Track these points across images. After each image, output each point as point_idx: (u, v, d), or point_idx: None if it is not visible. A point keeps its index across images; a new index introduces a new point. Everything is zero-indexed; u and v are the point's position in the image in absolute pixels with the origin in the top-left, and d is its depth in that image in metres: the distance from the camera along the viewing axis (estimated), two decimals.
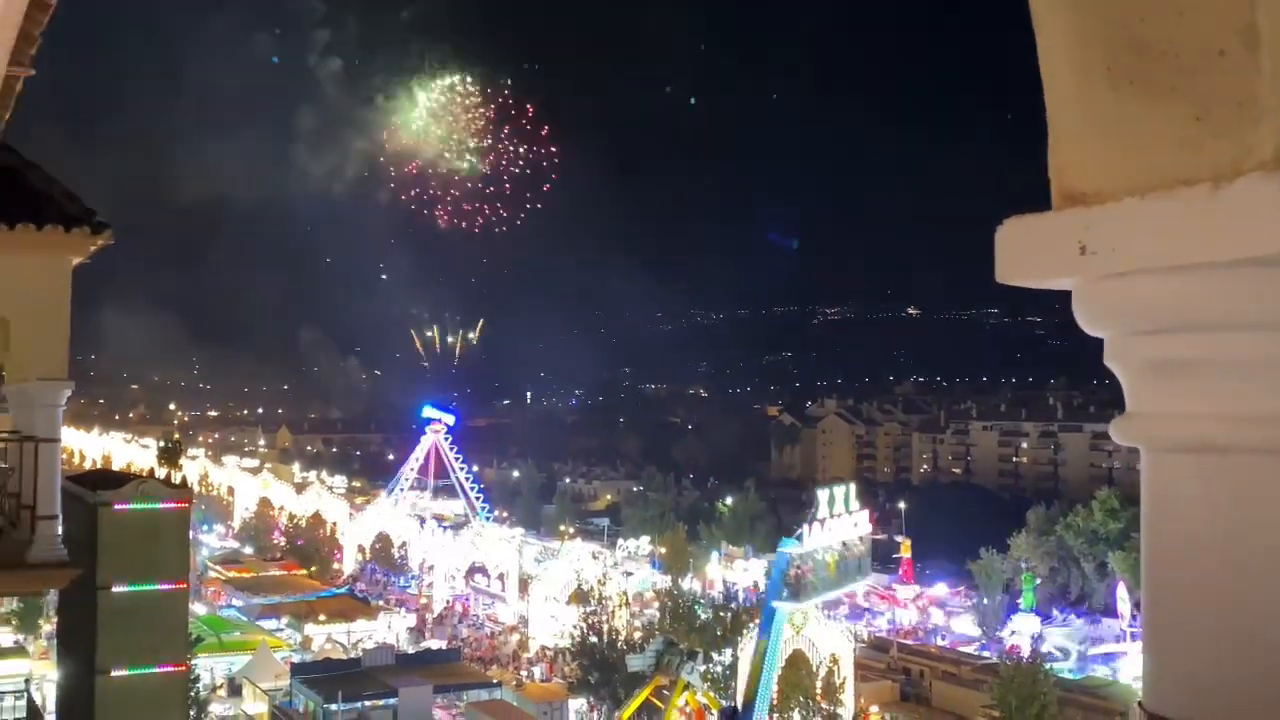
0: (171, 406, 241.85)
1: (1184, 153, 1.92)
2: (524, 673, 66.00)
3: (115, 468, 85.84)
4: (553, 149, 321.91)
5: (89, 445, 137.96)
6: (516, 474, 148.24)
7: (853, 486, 53.45)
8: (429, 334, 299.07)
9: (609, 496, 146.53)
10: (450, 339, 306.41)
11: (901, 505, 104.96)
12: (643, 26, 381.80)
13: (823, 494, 51.04)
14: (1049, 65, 2.15)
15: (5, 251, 12.44)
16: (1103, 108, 2.06)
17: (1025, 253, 2.19)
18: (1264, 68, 1.78)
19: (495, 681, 58.54)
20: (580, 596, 69.30)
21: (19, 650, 56.10)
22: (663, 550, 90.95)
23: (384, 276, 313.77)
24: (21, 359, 13.06)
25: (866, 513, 53.78)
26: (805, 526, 48.05)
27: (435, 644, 69.18)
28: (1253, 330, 1.86)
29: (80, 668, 18.92)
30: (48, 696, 27.82)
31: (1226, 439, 1.91)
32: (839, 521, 49.94)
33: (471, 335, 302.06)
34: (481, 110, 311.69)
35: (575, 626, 60.63)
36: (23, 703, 23.72)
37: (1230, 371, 1.90)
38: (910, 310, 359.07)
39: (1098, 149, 2.07)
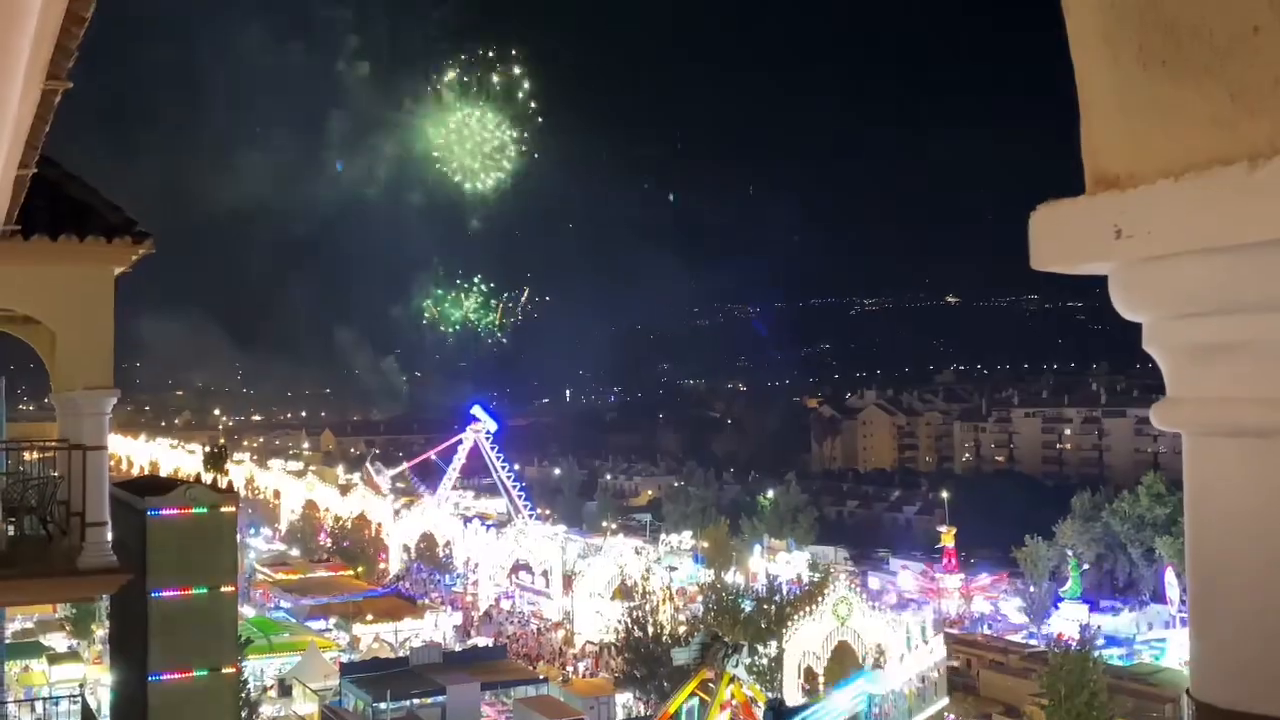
0: (216, 412, 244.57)
1: (1219, 132, 1.88)
2: (570, 668, 66.19)
3: (162, 474, 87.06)
4: (584, 145, 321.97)
5: (136, 452, 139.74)
6: (558, 471, 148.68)
7: (929, 618, 54.94)
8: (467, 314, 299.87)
9: (650, 492, 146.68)
10: (493, 319, 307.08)
11: (945, 494, 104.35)
12: (678, 18, 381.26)
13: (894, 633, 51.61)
14: (1079, 48, 2.13)
15: (49, 263, 12.63)
16: (1135, 89, 2.03)
17: (1060, 238, 2.16)
18: None
19: (542, 677, 58.75)
20: (624, 592, 69.39)
21: (73, 655, 57.06)
22: (705, 544, 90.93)
23: (419, 279, 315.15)
24: (68, 368, 13.26)
25: (941, 637, 54.13)
26: (882, 669, 48.53)
27: (482, 641, 69.55)
28: None
29: (133, 672, 19.17)
30: (102, 701, 28.21)
31: (1269, 423, 1.88)
32: (916, 654, 50.11)
33: (514, 312, 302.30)
34: (511, 105, 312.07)
35: (620, 621, 60.73)
36: (78, 707, 24.07)
37: (1271, 354, 1.88)
38: (949, 298, 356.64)
39: (1130, 131, 2.04)
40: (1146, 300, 2.06)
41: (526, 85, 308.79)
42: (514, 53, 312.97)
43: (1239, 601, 1.92)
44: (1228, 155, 1.85)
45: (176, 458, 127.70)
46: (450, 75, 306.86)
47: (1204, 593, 2.03)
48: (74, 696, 24.94)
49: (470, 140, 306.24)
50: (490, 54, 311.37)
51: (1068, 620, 70.32)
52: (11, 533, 13.55)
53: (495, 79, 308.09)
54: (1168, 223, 1.93)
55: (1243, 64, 1.84)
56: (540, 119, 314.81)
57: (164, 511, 19.30)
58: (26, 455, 17.56)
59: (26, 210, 11.40)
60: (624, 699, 56.84)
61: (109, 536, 13.21)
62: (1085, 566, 79.88)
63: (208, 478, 60.38)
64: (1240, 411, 1.92)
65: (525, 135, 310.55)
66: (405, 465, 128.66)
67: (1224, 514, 1.96)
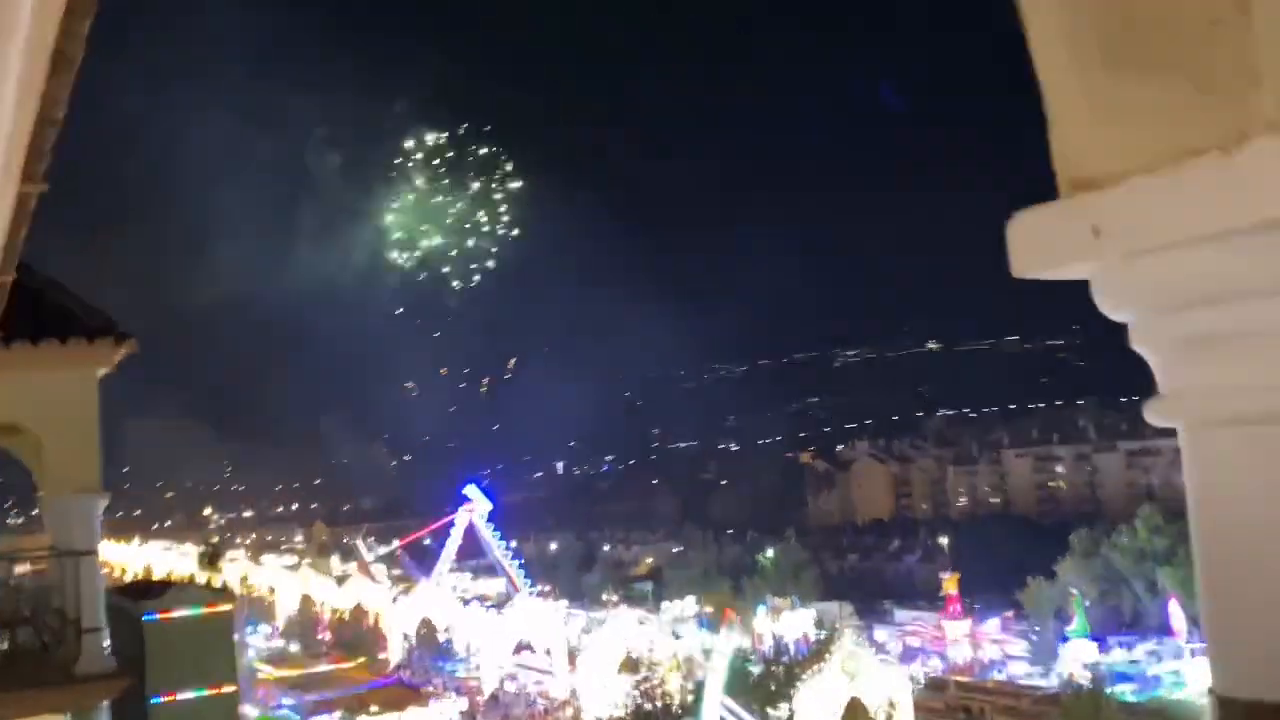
0: (206, 511, 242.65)
1: (1188, 124, 1.91)
2: None
3: (156, 577, 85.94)
4: (552, 216, 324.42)
5: (129, 557, 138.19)
6: (555, 545, 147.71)
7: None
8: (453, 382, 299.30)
9: (650, 560, 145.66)
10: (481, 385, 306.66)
11: (944, 540, 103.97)
12: (641, 68, 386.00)
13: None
14: (1042, 52, 2.16)
15: (32, 368, 12.59)
16: (1101, 89, 2.06)
17: (1038, 244, 2.18)
18: (1258, 31, 1.78)
19: None
20: (630, 664, 68.62)
21: None
22: (709, 609, 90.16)
23: (401, 362, 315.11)
24: (56, 473, 13.17)
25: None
26: None
27: None
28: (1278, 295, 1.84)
29: None
30: None
31: (1267, 409, 1.88)
32: None
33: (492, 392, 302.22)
34: (476, 180, 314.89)
35: (628, 695, 59.98)
36: None
37: (1262, 340, 1.89)
38: (931, 345, 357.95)
39: (1100, 131, 2.07)
40: (1131, 297, 2.08)
41: (500, 158, 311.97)
42: (486, 126, 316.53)
43: (1252, 592, 1.92)
44: (1199, 145, 1.87)
45: (170, 560, 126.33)
46: (421, 155, 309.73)
47: (1216, 586, 2.03)
48: None
49: (445, 218, 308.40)
50: (461, 130, 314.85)
51: (1076, 660, 69.77)
52: (6, 646, 13.37)
53: (468, 154, 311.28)
54: (1144, 218, 1.95)
55: (1205, 56, 1.87)
56: (513, 191, 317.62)
57: (160, 615, 19.09)
58: (18, 567, 17.39)
59: (6, 317, 11.39)
60: None
61: (106, 641, 13.03)
62: (1088, 603, 79.43)
63: (202, 578, 59.84)
64: (1238, 400, 1.93)
65: (500, 211, 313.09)
66: (397, 544, 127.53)
67: (1229, 504, 1.96)
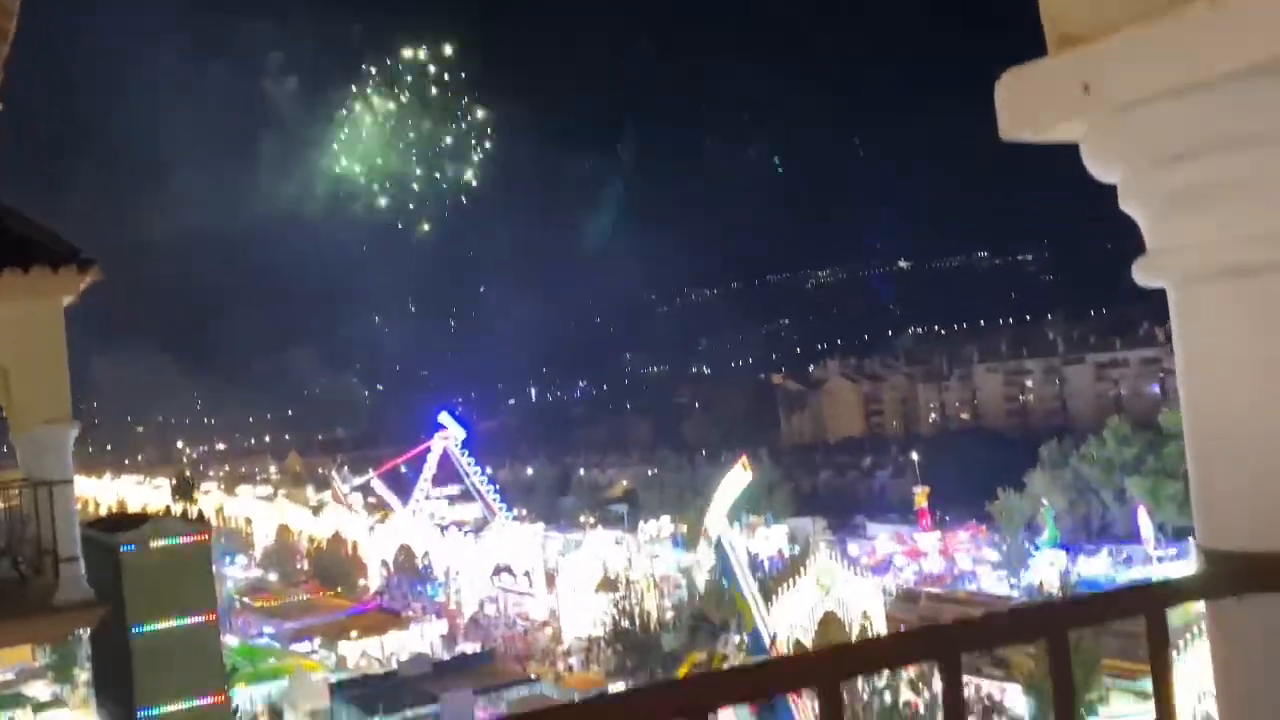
0: (179, 444, 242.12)
1: None
2: (561, 665, 66.20)
3: (131, 510, 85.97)
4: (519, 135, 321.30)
5: (102, 492, 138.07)
6: (530, 471, 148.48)
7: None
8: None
9: (625, 483, 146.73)
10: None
11: (915, 456, 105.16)
12: None
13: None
14: None
15: None
16: None
17: (1027, 103, 2.14)
18: None
19: (534, 677, 58.75)
20: (608, 584, 69.46)
21: (58, 702, 56.40)
22: (684, 529, 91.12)
23: (371, 292, 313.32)
24: (24, 405, 13.04)
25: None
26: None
27: (470, 648, 69.38)
28: (1272, 145, 1.82)
29: (121, 711, 18.96)
30: None
31: (1257, 260, 1.87)
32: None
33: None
34: (440, 106, 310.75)
35: (606, 614, 60.79)
36: None
37: (1252, 190, 1.87)
38: (900, 263, 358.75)
39: None
40: (1122, 153, 2.05)
41: (460, 75, 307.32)
42: (445, 48, 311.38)
43: (1238, 445, 1.92)
44: None
45: (143, 494, 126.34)
46: (379, 79, 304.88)
47: (1202, 441, 2.04)
48: None
49: (406, 142, 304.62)
50: (421, 52, 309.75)
51: (1045, 569, 71.11)
52: None
53: (427, 75, 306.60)
54: (1135, 70, 1.92)
55: None
56: (477, 116, 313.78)
57: (137, 546, 19.09)
58: None
59: None
60: (618, 689, 56.92)
61: (83, 571, 13.02)
62: (1057, 514, 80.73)
63: (177, 510, 59.88)
64: (1227, 252, 1.92)
65: (466, 137, 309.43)
66: (372, 473, 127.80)
67: (1217, 359, 1.96)
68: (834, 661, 1.81)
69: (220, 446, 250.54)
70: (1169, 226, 2.03)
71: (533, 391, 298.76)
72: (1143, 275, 2.09)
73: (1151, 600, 2.02)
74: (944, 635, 1.88)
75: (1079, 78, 1.99)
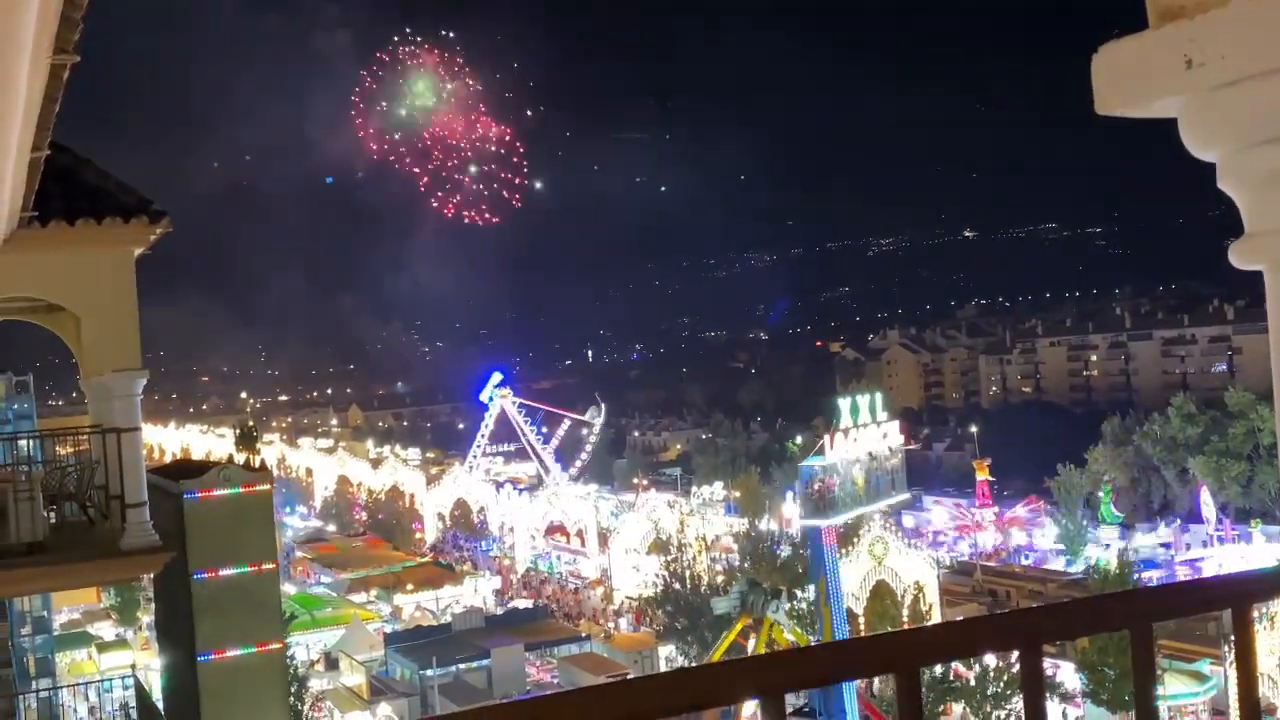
0: (243, 395, 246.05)
1: None
2: (611, 624, 66.70)
3: (195, 458, 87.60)
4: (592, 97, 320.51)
5: (166, 439, 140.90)
6: (592, 408, 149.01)
7: (879, 396, 49.31)
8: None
9: (679, 446, 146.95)
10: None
11: (974, 429, 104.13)
12: None
13: (844, 403, 46.73)
14: None
15: (69, 248, 12.62)
16: None
17: (1126, 77, 2.07)
18: None
19: (584, 635, 59.25)
20: (660, 546, 69.76)
21: (121, 643, 57.87)
22: (737, 494, 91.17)
23: (435, 250, 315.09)
24: (95, 353, 13.28)
25: (897, 424, 50.14)
26: (827, 438, 44.95)
27: (521, 604, 70.11)
28: None
29: (181, 654, 19.38)
30: (153, 685, 28.59)
31: None
32: (865, 432, 46.37)
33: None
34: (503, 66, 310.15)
35: (657, 575, 61.07)
36: (131, 691, 24.41)
37: None
38: (966, 233, 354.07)
39: None
40: (1222, 131, 1.97)
41: (519, 41, 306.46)
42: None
43: None
44: None
45: (207, 442, 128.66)
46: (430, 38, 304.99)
47: None
48: (127, 680, 25.31)
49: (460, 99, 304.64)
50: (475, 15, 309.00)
51: (1103, 546, 70.28)
52: (53, 520, 13.66)
53: (490, 40, 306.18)
54: (1240, 46, 1.85)
55: None
56: (538, 74, 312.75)
57: (200, 494, 19.44)
58: (61, 447, 17.71)
59: (42, 196, 11.38)
60: (666, 651, 57.24)
61: (149, 516, 13.28)
62: (1118, 491, 79.67)
63: (240, 459, 60.83)
64: None
65: (522, 89, 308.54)
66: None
67: None
68: (912, 646, 1.78)
69: (283, 398, 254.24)
70: (1269, 208, 1.96)
71: (590, 353, 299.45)
72: (1239, 258, 2.02)
73: (1238, 593, 1.96)
74: (1025, 622, 1.85)
75: (1181, 52, 1.92)
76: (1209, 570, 64.70)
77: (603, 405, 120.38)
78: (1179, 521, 76.68)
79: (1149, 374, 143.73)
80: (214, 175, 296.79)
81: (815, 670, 1.84)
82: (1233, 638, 2.00)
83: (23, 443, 17.41)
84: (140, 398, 13.81)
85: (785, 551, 61.54)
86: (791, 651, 1.93)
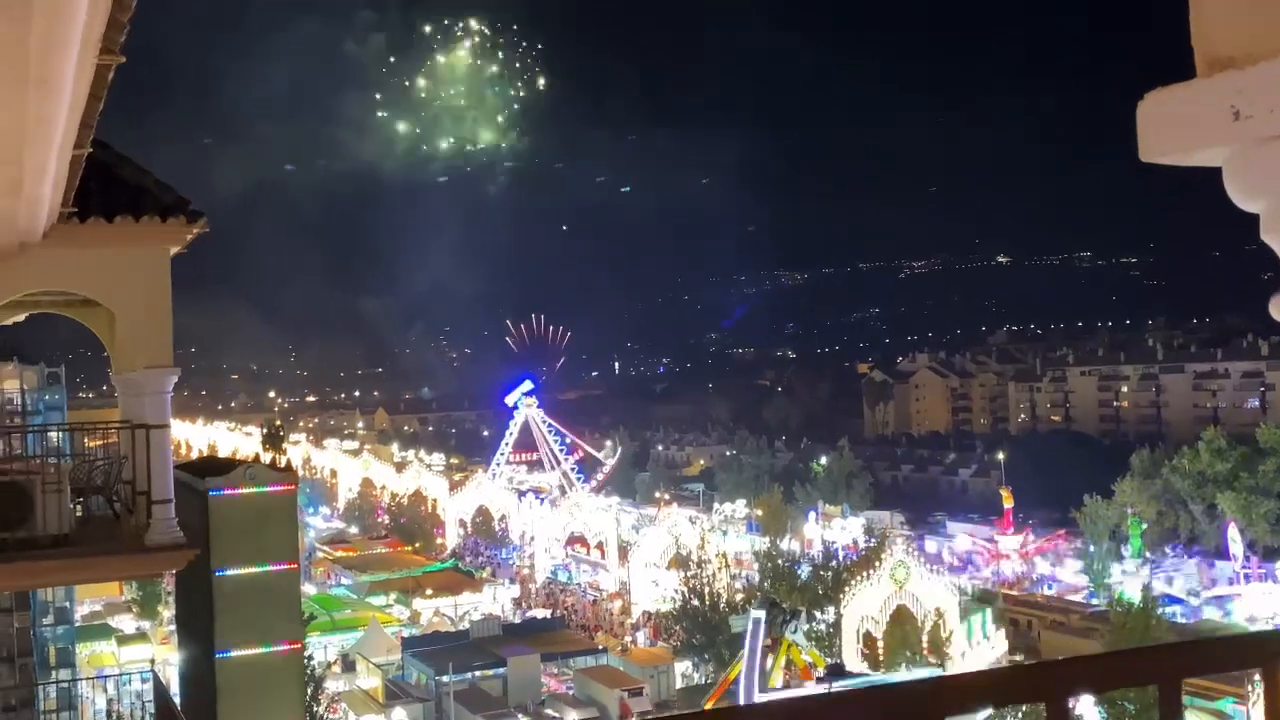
0: (271, 394, 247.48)
1: None
2: (628, 638, 66.53)
3: (221, 455, 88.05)
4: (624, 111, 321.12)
5: (194, 435, 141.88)
6: (609, 443, 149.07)
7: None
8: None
9: (702, 462, 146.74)
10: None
11: (1000, 456, 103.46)
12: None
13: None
14: None
15: (106, 244, 12.73)
16: None
17: (1172, 126, 2.05)
18: None
19: (601, 648, 59.12)
20: (680, 561, 69.59)
21: (141, 636, 58.21)
22: (759, 513, 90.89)
23: (465, 256, 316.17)
24: (128, 349, 13.37)
25: (1002, 632, 53.26)
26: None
27: (540, 614, 70.05)
28: None
29: (200, 650, 19.46)
30: (171, 679, 28.74)
31: None
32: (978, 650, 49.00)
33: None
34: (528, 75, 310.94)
35: (676, 591, 60.89)
36: (149, 685, 24.52)
37: None
38: (1000, 258, 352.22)
39: (1246, 6, 1.94)
40: (1268, 185, 1.94)
41: (540, 50, 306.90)
42: (515, 23, 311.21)
43: None
44: None
45: (234, 440, 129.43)
46: (465, 46, 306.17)
47: None
48: (145, 674, 25.44)
49: (489, 110, 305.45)
50: (500, 26, 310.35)
51: (1129, 579, 69.58)
52: (79, 513, 13.75)
53: (506, 46, 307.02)
54: None
55: None
56: (558, 90, 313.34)
57: (225, 491, 19.53)
58: (90, 440, 17.83)
59: (82, 193, 11.49)
60: (683, 667, 57.07)
61: (174, 513, 13.35)
62: (1145, 524, 78.92)
63: (266, 458, 61.12)
64: None
65: (545, 108, 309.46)
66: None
67: None
68: (929, 696, 1.76)
69: (311, 399, 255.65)
70: None
71: (616, 365, 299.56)
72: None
73: (1270, 651, 1.91)
74: (1051, 674, 1.83)
75: (1229, 102, 1.90)
76: (1236, 608, 64.00)
77: (619, 447, 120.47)
78: (1205, 558, 75.92)
79: (1180, 407, 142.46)
80: (252, 175, 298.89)
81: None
82: (1261, 695, 1.96)
83: (53, 434, 17.56)
84: (170, 395, 13.89)
85: (805, 572, 61.24)
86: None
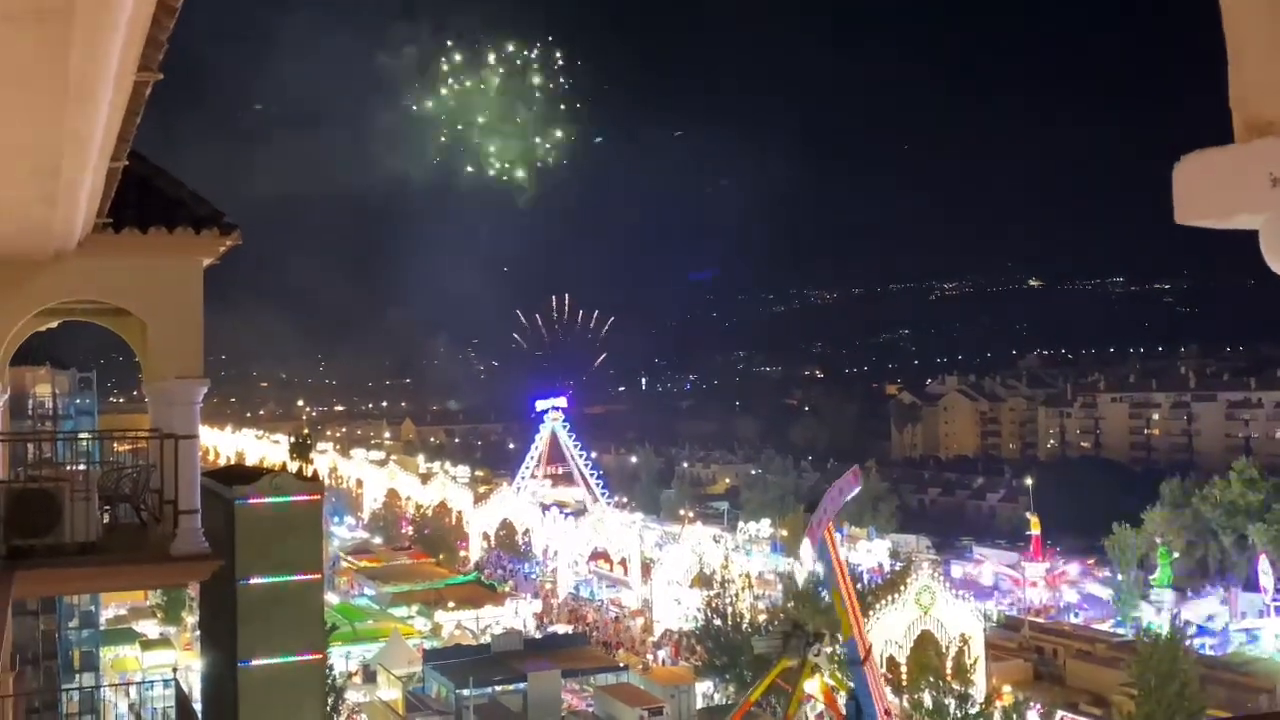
0: (300, 403, 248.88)
1: None
2: (650, 656, 66.32)
3: (248, 463, 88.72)
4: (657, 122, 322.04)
5: (223, 443, 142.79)
6: (634, 459, 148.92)
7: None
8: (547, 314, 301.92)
9: (727, 480, 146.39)
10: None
11: (1029, 481, 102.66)
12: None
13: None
14: None
15: (140, 255, 12.84)
16: None
17: (1208, 189, 2.02)
18: None
19: (622, 665, 58.93)
20: (703, 580, 69.32)
21: (165, 642, 58.54)
22: (784, 533, 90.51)
23: (503, 269, 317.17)
24: (159, 359, 13.48)
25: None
26: None
27: (561, 629, 69.95)
28: None
29: (222, 657, 19.52)
30: (193, 686, 28.86)
31: None
32: None
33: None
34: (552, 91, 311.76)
35: (699, 609, 60.66)
36: (171, 691, 24.61)
37: None
38: (1032, 282, 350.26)
39: None
40: None
41: (568, 65, 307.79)
42: (552, 37, 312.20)
43: None
44: None
45: (262, 448, 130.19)
46: (498, 58, 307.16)
47: None
48: (167, 681, 25.55)
49: (519, 126, 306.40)
50: (538, 42, 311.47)
51: (1156, 609, 68.81)
52: (106, 520, 13.84)
53: (542, 63, 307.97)
54: None
55: None
56: (590, 110, 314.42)
57: (251, 500, 19.60)
58: (119, 445, 17.97)
59: (117, 204, 11.60)
60: (704, 688, 56.78)
61: (200, 523, 13.43)
62: (1175, 555, 78.07)
63: (293, 467, 61.49)
64: None
65: (575, 126, 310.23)
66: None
67: None
68: None
69: (339, 408, 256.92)
70: None
71: (643, 381, 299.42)
72: None
73: None
74: None
75: (1267, 170, 1.86)
76: (1265, 639, 63.15)
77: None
78: (1234, 589, 74.99)
79: (1211, 436, 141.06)
80: (285, 186, 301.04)
81: None
82: None
83: (83, 441, 17.70)
84: (200, 405, 13.99)
85: (829, 596, 60.87)
86: None
